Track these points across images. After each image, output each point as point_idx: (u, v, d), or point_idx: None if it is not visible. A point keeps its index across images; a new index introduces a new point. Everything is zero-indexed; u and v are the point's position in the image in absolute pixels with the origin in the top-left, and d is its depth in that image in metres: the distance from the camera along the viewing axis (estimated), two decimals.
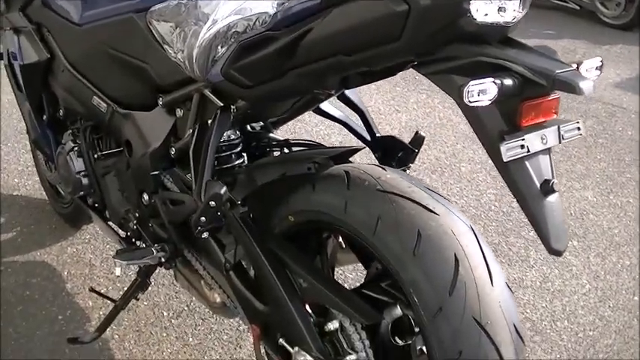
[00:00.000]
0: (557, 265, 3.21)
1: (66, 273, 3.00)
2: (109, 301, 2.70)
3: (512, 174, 1.52)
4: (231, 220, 1.95)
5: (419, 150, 2.12)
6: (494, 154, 1.50)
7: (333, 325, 1.85)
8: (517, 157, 1.50)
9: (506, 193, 3.76)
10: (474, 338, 1.59)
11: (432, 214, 1.68)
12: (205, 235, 1.98)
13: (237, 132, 2.21)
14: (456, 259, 1.61)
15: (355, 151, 1.96)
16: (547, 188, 1.53)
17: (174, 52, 2.06)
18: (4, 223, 3.29)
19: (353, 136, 2.26)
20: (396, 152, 2.11)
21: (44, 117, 2.73)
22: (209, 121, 2.02)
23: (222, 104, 1.95)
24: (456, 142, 4.35)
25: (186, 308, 2.82)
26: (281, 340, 1.92)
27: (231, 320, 2.75)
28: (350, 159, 1.94)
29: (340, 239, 2.08)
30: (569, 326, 2.84)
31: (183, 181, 2.16)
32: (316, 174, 1.89)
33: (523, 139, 1.51)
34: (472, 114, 1.51)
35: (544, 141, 1.55)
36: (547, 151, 1.57)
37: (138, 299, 2.46)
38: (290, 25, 1.67)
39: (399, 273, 1.66)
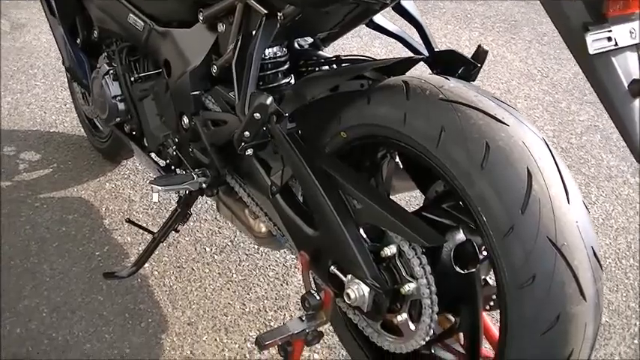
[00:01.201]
0: (620, 202, 3.02)
1: (104, 209, 2.87)
2: (148, 237, 2.57)
3: (597, 70, 1.33)
4: (278, 137, 1.79)
5: (482, 65, 1.92)
6: (578, 49, 1.32)
7: (390, 251, 1.68)
8: (603, 50, 1.32)
9: (564, 130, 3.56)
10: (549, 261, 1.42)
11: (501, 124, 1.50)
12: (249, 152, 1.82)
13: (284, 49, 2.05)
14: (529, 174, 1.43)
15: (412, 62, 1.78)
16: (636, 89, 1.34)
17: None
18: (40, 160, 3.16)
19: (409, 52, 2.08)
20: (456, 68, 1.92)
21: (78, 41, 2.58)
22: (253, 32, 1.85)
23: (266, 11, 1.77)
24: (511, 78, 4.14)
25: (229, 244, 2.67)
26: (332, 267, 1.77)
27: (278, 256, 2.61)
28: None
29: (397, 159, 1.90)
30: (634, 264, 2.66)
31: (226, 99, 2.00)
32: (371, 86, 1.73)
33: (610, 31, 1.33)
34: (553, 6, 1.33)
35: (633, 35, 1.37)
36: (635, 47, 1.38)
37: (178, 231, 2.32)
38: None
39: (466, 189, 1.49)
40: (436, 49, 2.02)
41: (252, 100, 1.74)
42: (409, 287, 1.66)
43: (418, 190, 1.93)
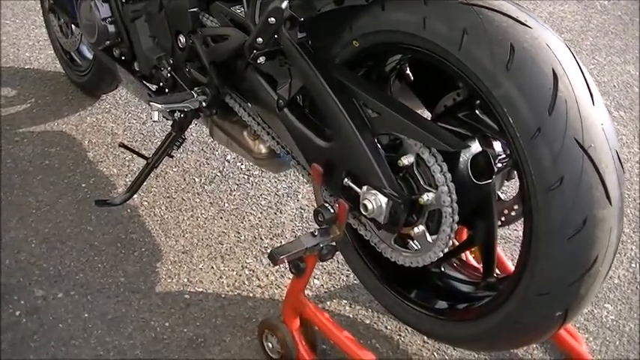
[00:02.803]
0: None
1: (87, 142, 2.78)
2: (135, 168, 2.52)
3: None
4: (288, 46, 1.72)
5: None
6: None
7: (407, 160, 1.64)
8: None
9: None
10: (577, 163, 1.39)
11: (524, 27, 1.47)
12: (262, 60, 1.75)
13: None
14: (555, 75, 1.40)
15: None
16: None
17: None
18: (17, 95, 3.05)
19: None
20: None
21: None
22: None
23: None
24: None
25: (219, 174, 2.61)
26: (346, 179, 1.72)
27: (269, 185, 2.55)
28: None
29: (408, 71, 1.85)
30: (630, 194, 2.65)
31: (227, 14, 1.92)
32: None
33: None
34: None
35: None
36: None
37: (172, 156, 2.25)
38: None
39: (491, 91, 1.45)
40: None
41: (265, 5, 1.67)
42: (428, 197, 1.62)
43: None
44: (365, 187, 1.67)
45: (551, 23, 3.94)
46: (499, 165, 1.73)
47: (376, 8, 1.65)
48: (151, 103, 1.95)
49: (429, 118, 1.81)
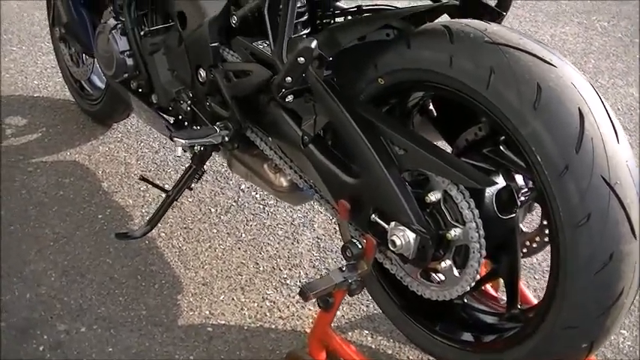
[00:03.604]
0: None
1: (100, 172, 2.79)
2: (151, 199, 2.53)
3: None
4: (314, 84, 1.75)
5: (507, 12, 1.90)
6: None
7: (434, 196, 1.66)
8: None
9: None
10: (603, 199, 1.43)
11: (549, 65, 1.50)
12: (290, 98, 1.77)
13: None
14: (581, 114, 1.43)
15: (443, 9, 1.78)
16: None
17: None
18: (27, 124, 3.06)
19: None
20: (480, 16, 1.89)
21: None
22: None
23: None
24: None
25: (234, 204, 2.62)
26: (374, 215, 1.74)
27: (285, 215, 2.57)
28: None
29: (431, 106, 1.88)
30: None
31: (249, 49, 1.94)
32: (409, 31, 1.70)
33: None
34: None
35: None
36: None
37: (192, 189, 2.26)
38: None
39: (518, 129, 1.48)
40: None
41: (293, 44, 1.69)
42: (455, 232, 1.64)
43: None
44: (393, 223, 1.69)
45: (553, 46, 3.97)
46: (522, 198, 1.75)
47: (401, 46, 1.68)
48: (175, 139, 1.96)
49: (451, 152, 1.82)
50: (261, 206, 2.60)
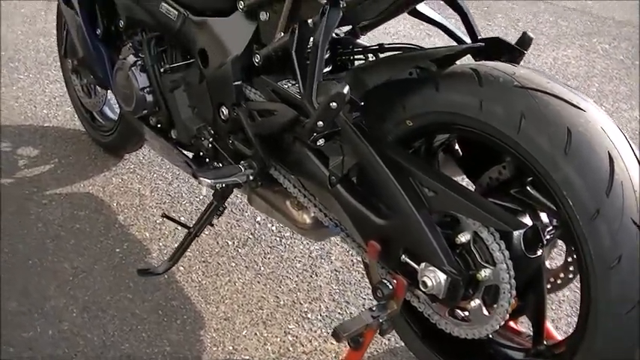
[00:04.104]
0: None
1: (115, 204, 2.80)
2: (167, 232, 2.54)
3: None
4: (343, 126, 1.76)
5: (527, 50, 1.93)
6: None
7: (464, 237, 1.68)
8: None
9: None
10: (634, 241, 1.45)
11: (578, 110, 1.53)
12: (321, 142, 1.79)
13: None
14: (611, 158, 1.46)
15: (466, 50, 1.81)
16: None
17: None
18: (39, 155, 3.07)
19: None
20: (500, 55, 1.92)
21: (98, 32, 2.50)
22: (309, 21, 1.82)
23: (325, 1, 1.75)
24: None
25: (251, 236, 2.64)
26: (404, 256, 1.75)
27: (302, 247, 2.58)
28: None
29: (457, 146, 1.90)
30: None
31: (274, 89, 1.96)
32: (437, 74, 1.72)
33: None
34: None
35: None
36: None
37: (213, 225, 2.28)
38: None
39: (550, 173, 1.50)
40: (480, 37, 2.01)
41: (326, 89, 1.71)
42: (486, 273, 1.66)
43: None
44: (423, 264, 1.71)
45: (557, 69, 4.01)
46: (547, 237, 1.77)
47: (429, 88, 1.70)
48: (201, 179, 1.97)
49: (474, 190, 1.84)
50: (278, 238, 2.61)
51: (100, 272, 2.46)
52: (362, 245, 1.87)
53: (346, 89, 1.65)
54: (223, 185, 2.13)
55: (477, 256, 1.69)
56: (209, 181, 1.98)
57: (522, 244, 1.71)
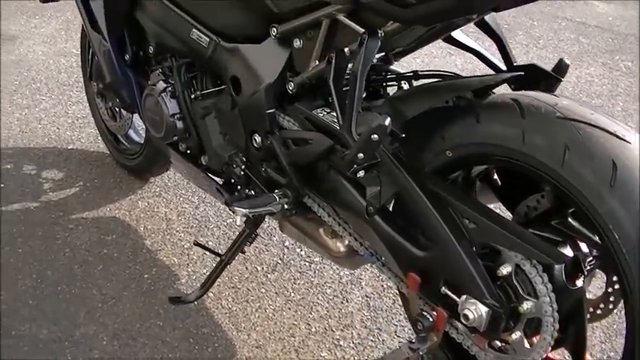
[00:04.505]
0: None
1: (142, 228, 2.79)
2: (195, 257, 2.53)
3: None
4: (383, 157, 1.75)
5: (563, 77, 1.92)
6: None
7: (506, 269, 1.66)
8: None
9: None
10: None
11: (623, 142, 1.52)
12: (361, 174, 1.77)
13: None
14: None
15: (506, 79, 1.79)
16: None
17: None
18: (64, 178, 3.06)
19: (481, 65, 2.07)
20: (537, 82, 1.90)
21: (126, 57, 2.50)
22: (346, 49, 1.80)
23: (362, 30, 1.74)
24: None
25: (280, 262, 2.62)
26: (444, 288, 1.73)
27: (332, 273, 2.57)
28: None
29: (495, 176, 1.88)
30: None
31: (309, 117, 1.95)
32: (476, 103, 1.71)
33: None
34: None
35: None
36: None
37: (244, 252, 2.26)
38: None
39: (595, 206, 1.49)
40: (515, 63, 2.00)
41: (362, 119, 1.69)
42: (528, 305, 1.64)
43: None
44: (464, 297, 1.69)
45: (580, 88, 3.99)
46: (587, 267, 1.75)
47: (470, 119, 1.69)
48: (236, 209, 1.96)
49: (511, 219, 1.82)
50: (307, 263, 2.60)
51: (130, 299, 2.44)
52: (400, 277, 1.85)
53: (387, 121, 1.63)
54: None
55: (518, 288, 1.67)
56: (244, 210, 1.97)
57: (564, 276, 1.69)
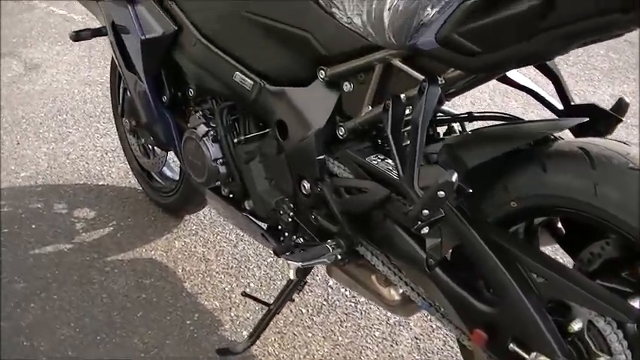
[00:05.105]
0: None
1: (180, 270, 2.72)
2: (238, 300, 2.47)
3: None
4: (448, 212, 1.68)
5: (623, 117, 1.85)
6: None
7: (577, 326, 1.59)
8: None
9: None
10: None
11: None
12: (426, 230, 1.70)
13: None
14: None
15: (568, 127, 1.73)
16: None
17: (347, 17, 1.79)
18: (97, 217, 3.00)
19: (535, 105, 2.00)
20: (595, 122, 1.83)
21: (164, 98, 2.43)
22: (402, 96, 1.74)
23: (421, 77, 1.67)
24: None
25: (325, 303, 2.55)
26: (512, 345, 1.66)
27: (378, 314, 2.50)
28: None
29: (559, 224, 1.81)
30: None
31: (362, 165, 1.88)
32: (542, 152, 1.64)
33: None
34: None
35: None
36: None
37: (293, 300, 2.19)
38: None
39: None
40: (573, 103, 1.93)
41: (426, 173, 1.62)
42: None
43: None
44: (534, 354, 1.62)
45: None
46: None
47: (536, 168, 1.62)
48: (290, 262, 1.89)
49: (573, 267, 1.76)
50: (353, 304, 2.53)
51: (172, 347, 2.38)
52: (462, 330, 1.78)
53: (455, 177, 1.56)
54: None
55: (590, 344, 1.60)
56: (298, 264, 1.90)
57: (636, 329, 1.62)
